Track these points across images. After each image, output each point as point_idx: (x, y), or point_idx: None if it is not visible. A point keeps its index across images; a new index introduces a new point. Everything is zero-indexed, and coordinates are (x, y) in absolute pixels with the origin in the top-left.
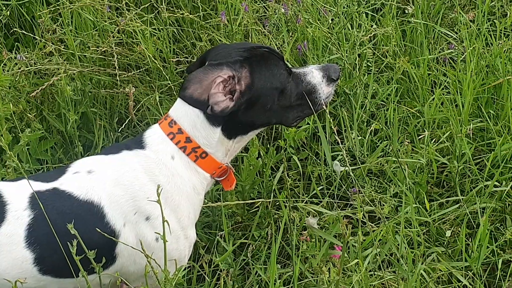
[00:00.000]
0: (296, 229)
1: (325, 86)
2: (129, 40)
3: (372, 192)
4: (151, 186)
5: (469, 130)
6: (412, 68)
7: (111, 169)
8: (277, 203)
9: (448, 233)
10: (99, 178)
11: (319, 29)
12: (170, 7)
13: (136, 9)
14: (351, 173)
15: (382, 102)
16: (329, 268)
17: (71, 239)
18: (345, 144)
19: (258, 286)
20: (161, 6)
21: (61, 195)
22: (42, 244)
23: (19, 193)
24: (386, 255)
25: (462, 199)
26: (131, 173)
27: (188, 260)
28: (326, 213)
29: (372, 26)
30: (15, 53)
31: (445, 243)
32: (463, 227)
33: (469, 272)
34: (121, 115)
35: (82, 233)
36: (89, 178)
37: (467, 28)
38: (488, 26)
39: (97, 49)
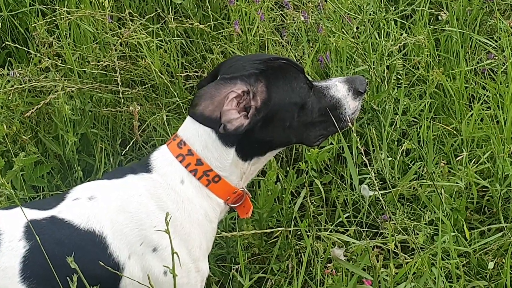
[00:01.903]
0: (320, 262)
1: (351, 100)
2: (133, 54)
3: (404, 219)
4: (159, 214)
5: None
6: (447, 80)
7: (114, 195)
8: (299, 233)
9: (490, 265)
10: (102, 205)
11: (342, 39)
12: (178, 17)
13: (141, 19)
14: (380, 198)
15: (414, 119)
16: None
17: (70, 272)
18: (373, 166)
19: None
20: (168, 15)
21: (59, 223)
22: (39, 278)
23: (13, 222)
24: None
25: (506, 226)
26: (137, 199)
27: None
28: (353, 243)
29: (401, 34)
30: (8, 69)
31: (488, 276)
32: (508, 258)
33: None
34: (125, 136)
35: (83, 265)
36: (91, 205)
37: (508, 36)
38: None
39: (98, 63)
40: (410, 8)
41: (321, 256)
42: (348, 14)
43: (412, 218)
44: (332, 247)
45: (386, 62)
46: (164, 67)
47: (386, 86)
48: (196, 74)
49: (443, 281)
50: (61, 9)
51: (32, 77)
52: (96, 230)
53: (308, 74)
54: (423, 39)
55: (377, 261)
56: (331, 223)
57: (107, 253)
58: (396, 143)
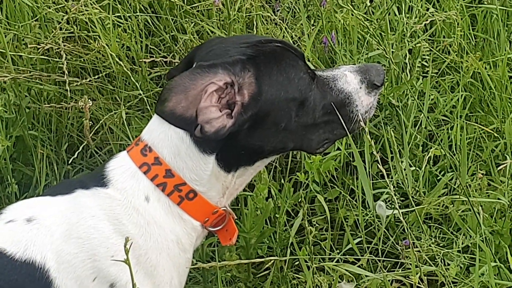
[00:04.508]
0: None
1: (365, 95)
2: (83, 34)
3: (432, 245)
4: (117, 240)
5: None
6: (486, 69)
7: (60, 216)
8: (296, 263)
9: None
10: (44, 229)
11: (352, 15)
12: None
13: None
14: (401, 219)
15: (444, 118)
16: None
17: None
18: (392, 177)
19: None
20: None
21: None
22: None
23: None
24: None
25: None
26: (89, 222)
27: None
28: (366, 276)
29: (428, 9)
30: None
31: None
32: None
33: None
34: (73, 139)
35: None
36: (29, 228)
37: None
38: None
39: (38, 46)
40: None
41: None
42: None
43: (441, 244)
44: (339, 282)
45: (408, 45)
46: (123, 51)
47: (408, 75)
48: (165, 60)
49: None
50: None
51: None
52: (37, 261)
53: (309, 61)
54: (455, 16)
55: None
56: (338, 251)
57: None
58: (421, 148)
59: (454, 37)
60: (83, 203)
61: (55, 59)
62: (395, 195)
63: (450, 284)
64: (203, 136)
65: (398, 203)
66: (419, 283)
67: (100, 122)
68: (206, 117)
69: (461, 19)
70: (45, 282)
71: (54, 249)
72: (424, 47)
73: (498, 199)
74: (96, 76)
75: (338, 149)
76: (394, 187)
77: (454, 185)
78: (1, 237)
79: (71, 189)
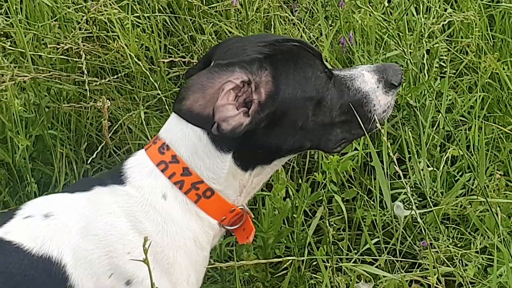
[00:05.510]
0: None
1: (382, 95)
2: (102, 34)
3: (449, 246)
4: (134, 237)
5: None
6: (504, 69)
7: (77, 212)
8: (314, 263)
9: None
10: (61, 225)
11: (370, 15)
12: None
13: None
14: (419, 220)
15: (462, 118)
16: None
17: None
18: (410, 178)
19: None
20: None
21: (5, 247)
22: None
23: None
24: None
25: None
26: (106, 219)
27: None
28: (384, 276)
29: (446, 10)
30: None
31: None
32: None
33: None
34: (92, 139)
35: None
36: (47, 224)
37: None
38: None
39: (58, 46)
40: None
41: None
42: None
43: (459, 245)
44: (357, 282)
45: (426, 45)
46: (142, 51)
47: (426, 76)
48: (183, 60)
49: None
50: None
51: None
52: (53, 256)
53: (327, 61)
54: (473, 16)
55: None
56: (356, 251)
57: (66, 286)
58: (438, 148)
59: (472, 37)
60: (100, 200)
61: (75, 59)
62: (413, 195)
63: (468, 285)
64: (220, 134)
65: (415, 203)
66: (437, 283)
67: (119, 122)
68: (223, 115)
69: (479, 19)
70: (61, 278)
71: (71, 245)
72: (442, 48)
73: None
74: (115, 76)
75: (356, 149)
76: (411, 187)
77: (472, 185)
78: (19, 232)
79: (89, 186)
